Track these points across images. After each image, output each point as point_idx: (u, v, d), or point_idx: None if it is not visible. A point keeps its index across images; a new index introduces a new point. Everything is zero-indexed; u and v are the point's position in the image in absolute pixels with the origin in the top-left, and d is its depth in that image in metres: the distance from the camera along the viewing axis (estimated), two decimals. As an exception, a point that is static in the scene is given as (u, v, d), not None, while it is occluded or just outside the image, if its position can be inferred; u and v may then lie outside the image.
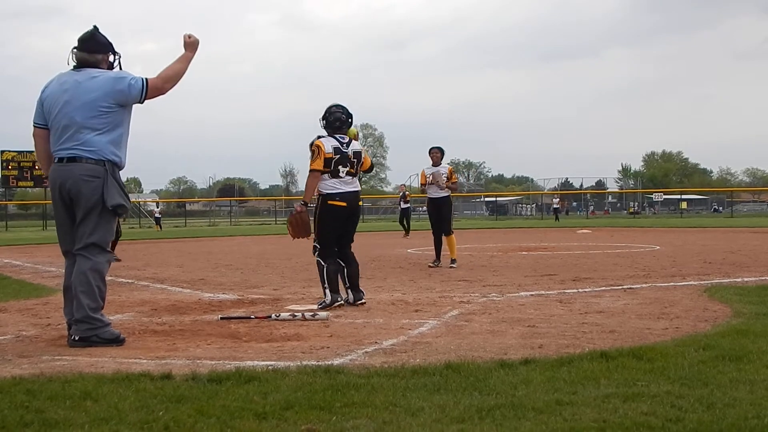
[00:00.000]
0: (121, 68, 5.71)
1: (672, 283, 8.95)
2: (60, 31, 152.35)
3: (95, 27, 5.69)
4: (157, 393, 3.87)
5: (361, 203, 8.20)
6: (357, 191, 7.65)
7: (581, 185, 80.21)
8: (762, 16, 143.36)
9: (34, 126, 5.65)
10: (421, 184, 12.60)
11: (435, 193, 12.23)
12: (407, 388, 3.93)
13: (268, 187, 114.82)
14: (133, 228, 45.88)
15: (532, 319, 6.38)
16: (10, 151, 47.16)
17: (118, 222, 16.15)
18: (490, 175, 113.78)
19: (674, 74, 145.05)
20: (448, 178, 12.18)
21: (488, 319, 6.47)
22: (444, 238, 12.27)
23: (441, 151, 12.35)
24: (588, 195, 73.48)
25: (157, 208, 53.88)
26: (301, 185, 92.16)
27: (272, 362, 4.71)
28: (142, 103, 5.60)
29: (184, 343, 5.54)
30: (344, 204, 7.47)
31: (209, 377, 4.20)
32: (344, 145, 7.55)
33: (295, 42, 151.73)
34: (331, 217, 7.45)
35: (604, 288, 8.61)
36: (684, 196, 74.08)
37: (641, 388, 3.86)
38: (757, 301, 6.94)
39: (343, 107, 7.69)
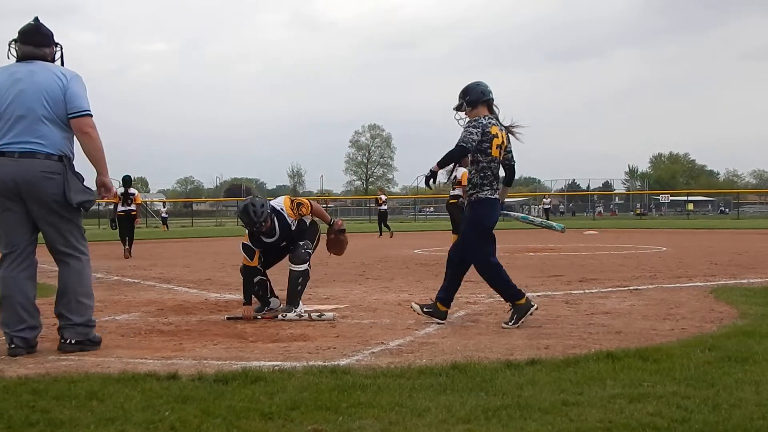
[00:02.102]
0: (63, 60, 5.41)
1: (678, 285, 8.93)
2: (72, 31, 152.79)
3: (37, 18, 5.39)
4: (163, 393, 3.87)
5: None
6: None
7: (588, 186, 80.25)
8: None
9: None
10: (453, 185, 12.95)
11: (454, 193, 12.63)
12: (413, 389, 3.94)
13: (275, 187, 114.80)
14: (140, 228, 45.89)
15: (539, 319, 6.37)
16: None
17: (134, 223, 17.20)
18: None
19: (681, 75, 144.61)
20: (459, 181, 12.35)
21: (495, 319, 6.47)
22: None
23: None
24: (595, 196, 73.37)
25: (164, 208, 53.99)
26: (309, 185, 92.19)
27: (278, 362, 4.71)
28: (67, 117, 5.15)
29: (191, 344, 5.55)
30: None
31: (215, 377, 4.21)
32: None
33: (304, 41, 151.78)
34: None
35: (610, 289, 8.60)
36: (691, 198, 73.95)
37: (647, 389, 3.86)
38: (763, 302, 6.92)
39: None
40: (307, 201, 7.22)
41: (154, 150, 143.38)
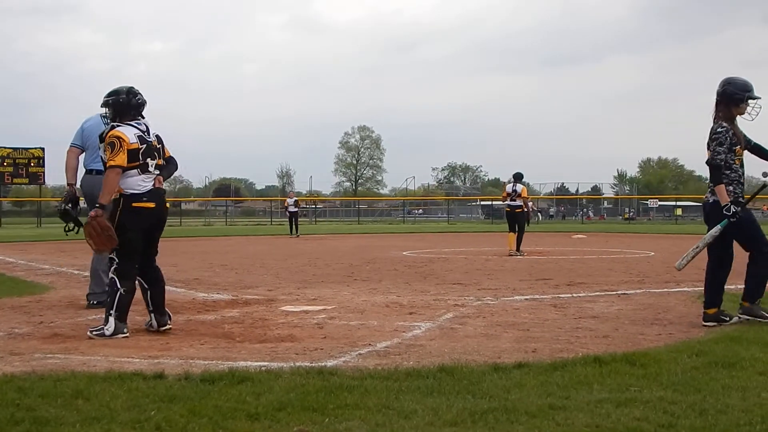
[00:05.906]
0: None
1: (666, 290, 8.97)
2: (71, 29, 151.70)
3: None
4: (150, 392, 3.86)
5: (168, 205, 6.87)
6: (164, 189, 6.35)
7: (577, 190, 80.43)
8: (765, 26, 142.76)
9: (73, 146, 7.87)
10: (504, 196, 17.47)
11: (513, 203, 16.50)
12: (400, 391, 3.93)
13: (264, 187, 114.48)
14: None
15: (527, 323, 6.38)
16: (5, 147, 47.09)
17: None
18: (486, 179, 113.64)
19: (672, 81, 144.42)
20: (519, 194, 16.51)
21: (482, 322, 6.47)
22: (515, 234, 16.25)
23: (515, 176, 16.74)
24: (584, 200, 73.56)
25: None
26: (298, 186, 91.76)
27: (265, 363, 4.70)
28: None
29: (178, 343, 5.54)
30: (153, 205, 6.15)
31: (202, 377, 4.19)
32: (146, 132, 6.13)
33: (301, 44, 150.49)
34: (137, 222, 6.02)
35: (598, 293, 8.62)
36: (679, 203, 74.15)
37: (634, 394, 3.87)
38: (751, 308, 6.93)
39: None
40: (119, 152, 5.92)
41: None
